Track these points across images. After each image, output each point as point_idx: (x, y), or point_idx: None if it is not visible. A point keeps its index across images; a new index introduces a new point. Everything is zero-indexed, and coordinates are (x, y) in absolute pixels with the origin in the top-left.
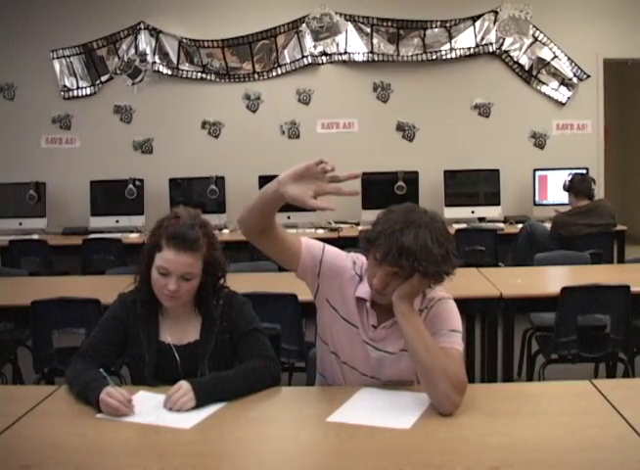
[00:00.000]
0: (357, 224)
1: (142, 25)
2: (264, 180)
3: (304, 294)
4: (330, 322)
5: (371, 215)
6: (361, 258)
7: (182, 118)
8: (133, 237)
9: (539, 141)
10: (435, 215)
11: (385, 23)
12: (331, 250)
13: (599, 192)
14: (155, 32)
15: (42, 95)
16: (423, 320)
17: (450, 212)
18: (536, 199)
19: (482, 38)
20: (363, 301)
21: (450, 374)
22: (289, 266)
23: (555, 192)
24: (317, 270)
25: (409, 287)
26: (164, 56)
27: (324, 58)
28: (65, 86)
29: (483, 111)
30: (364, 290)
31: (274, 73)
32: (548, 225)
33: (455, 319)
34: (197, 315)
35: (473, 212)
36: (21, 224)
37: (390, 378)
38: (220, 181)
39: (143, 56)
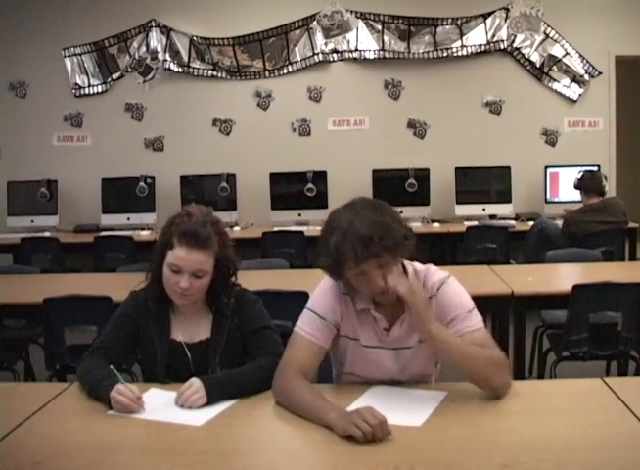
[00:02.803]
0: None
1: (153, 23)
2: (275, 177)
3: None
4: (336, 345)
5: None
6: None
7: (193, 116)
8: (144, 234)
9: (550, 138)
10: (358, 198)
11: (395, 21)
12: (319, 305)
13: (610, 189)
14: (166, 30)
15: (54, 93)
16: (435, 309)
17: (461, 210)
18: (548, 196)
19: (494, 35)
20: (366, 311)
21: (496, 363)
22: None
23: (566, 189)
24: (331, 327)
25: (415, 305)
26: (175, 54)
27: (335, 55)
28: (76, 84)
29: (494, 108)
30: (362, 301)
31: (285, 71)
32: (559, 223)
33: (465, 298)
34: (208, 313)
35: (484, 210)
36: (32, 222)
37: (413, 373)
38: (231, 179)
39: (154, 54)
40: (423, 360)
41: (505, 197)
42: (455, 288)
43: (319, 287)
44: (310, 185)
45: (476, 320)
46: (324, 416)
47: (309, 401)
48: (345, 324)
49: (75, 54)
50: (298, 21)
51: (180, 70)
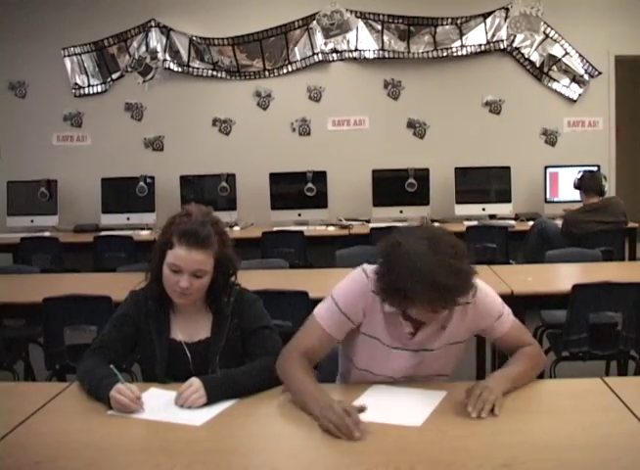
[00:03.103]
0: (368, 221)
1: (153, 23)
2: (275, 177)
3: (315, 291)
4: (354, 338)
5: (381, 213)
6: (369, 270)
7: (193, 116)
8: (144, 234)
9: (550, 138)
10: (433, 232)
11: (395, 20)
12: (343, 299)
13: (610, 189)
14: (165, 30)
15: (53, 93)
16: (472, 316)
17: (461, 210)
18: (547, 196)
19: (493, 35)
20: (394, 314)
21: (536, 360)
22: None
23: (566, 189)
24: (350, 323)
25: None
26: (175, 54)
27: (334, 55)
28: (76, 84)
29: (494, 108)
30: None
31: (285, 71)
32: (559, 222)
33: (497, 300)
34: (208, 313)
35: (484, 210)
36: (32, 222)
37: (429, 372)
38: (231, 178)
39: (154, 54)
40: (443, 362)
41: (505, 197)
42: (487, 293)
43: (348, 280)
44: (310, 185)
45: (508, 317)
46: (311, 409)
47: (303, 390)
48: (368, 321)
49: (75, 54)
50: (298, 20)
51: (180, 69)
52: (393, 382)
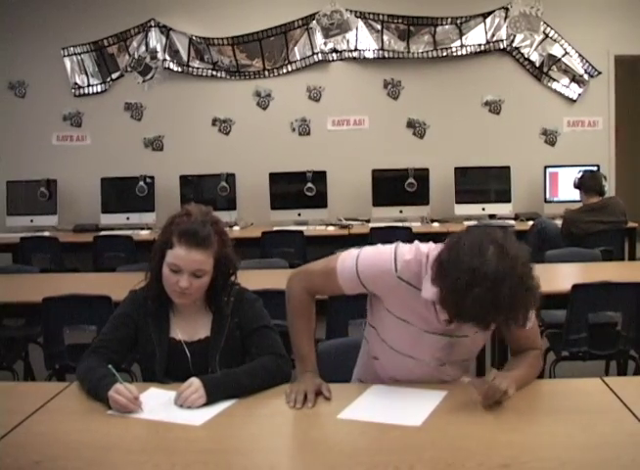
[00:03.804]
0: (368, 221)
1: (152, 23)
2: (275, 177)
3: None
4: (382, 318)
5: (381, 213)
6: (401, 254)
7: (193, 116)
8: (144, 234)
9: (550, 138)
10: (505, 239)
11: (395, 20)
12: (366, 271)
13: (610, 189)
14: (165, 30)
15: (53, 92)
16: None
17: (461, 209)
18: (547, 196)
19: (493, 35)
20: (430, 302)
21: (537, 362)
22: None
23: (566, 189)
24: (364, 290)
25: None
26: (175, 53)
27: (334, 55)
28: (75, 84)
29: (494, 107)
30: (430, 291)
31: (284, 71)
32: (559, 222)
33: None
34: (207, 312)
35: (483, 210)
36: (32, 221)
37: (460, 357)
38: (231, 178)
39: (153, 53)
40: (472, 347)
41: (504, 196)
42: None
43: (376, 255)
44: (310, 185)
45: (532, 315)
46: (298, 369)
47: (300, 344)
48: (393, 302)
49: (75, 53)
50: (298, 20)
51: (179, 69)
52: (426, 364)
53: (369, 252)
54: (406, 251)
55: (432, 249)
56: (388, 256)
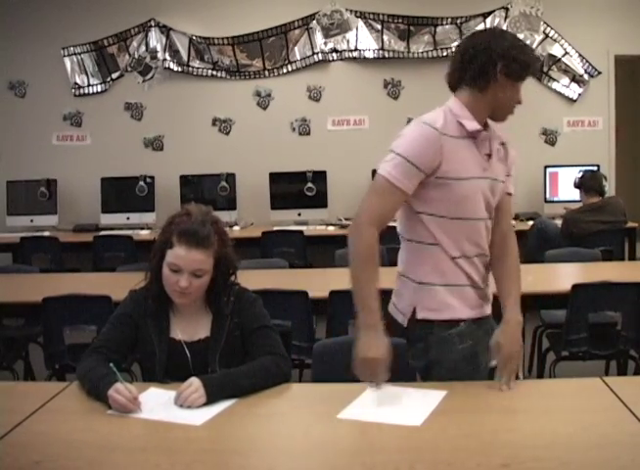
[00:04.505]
0: None
1: (152, 23)
2: (275, 177)
3: (315, 291)
4: (441, 195)
5: None
6: (428, 118)
7: (193, 116)
8: (144, 234)
9: (550, 138)
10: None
11: (395, 20)
12: (415, 152)
13: (610, 189)
14: (165, 30)
15: (53, 92)
16: (504, 155)
17: None
18: (547, 196)
19: None
20: (475, 133)
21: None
22: None
23: (566, 189)
24: (422, 175)
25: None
26: (175, 53)
27: (334, 55)
28: (75, 83)
29: None
30: (473, 123)
31: (284, 70)
32: (559, 222)
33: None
34: (207, 312)
35: None
36: (32, 221)
37: (492, 208)
38: (231, 178)
39: (153, 53)
40: (500, 198)
41: None
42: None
43: (413, 137)
44: (310, 185)
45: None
46: (362, 321)
47: (367, 293)
48: (446, 166)
49: (75, 53)
50: (298, 20)
51: (180, 69)
52: (483, 221)
53: (400, 142)
54: (428, 115)
55: (445, 107)
56: (420, 127)
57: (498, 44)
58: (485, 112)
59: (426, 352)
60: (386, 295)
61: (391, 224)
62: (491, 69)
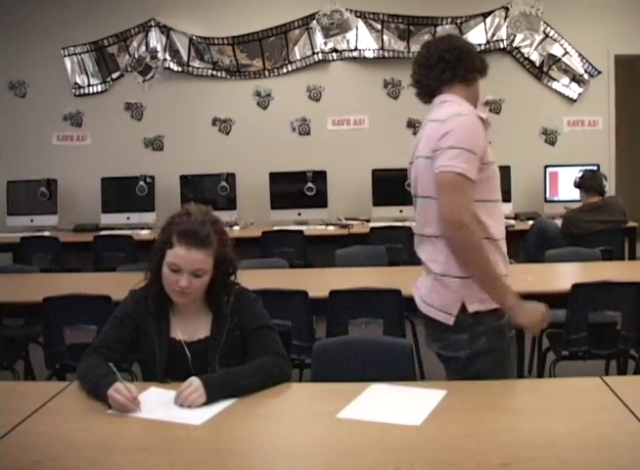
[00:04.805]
0: (368, 221)
1: (152, 23)
2: (275, 177)
3: (315, 290)
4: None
5: (381, 212)
6: (470, 110)
7: (193, 115)
8: (144, 234)
9: (550, 137)
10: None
11: (395, 20)
12: (479, 147)
13: (610, 188)
14: (165, 30)
15: (53, 92)
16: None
17: None
18: (547, 195)
19: (493, 35)
20: (489, 121)
21: None
22: None
23: (566, 189)
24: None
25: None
26: (175, 53)
27: (334, 54)
28: (76, 83)
29: (494, 107)
30: (485, 113)
31: (284, 70)
32: (559, 222)
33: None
34: (207, 312)
35: None
36: (32, 221)
37: None
38: (231, 178)
39: (154, 53)
40: None
41: (504, 196)
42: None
43: (469, 128)
44: (310, 184)
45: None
46: (508, 295)
47: (496, 273)
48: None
49: (75, 53)
50: (298, 20)
51: (180, 69)
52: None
53: (457, 137)
54: (460, 108)
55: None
56: (466, 118)
57: (467, 44)
58: (475, 103)
59: (472, 343)
60: (391, 294)
61: (391, 224)
62: (478, 63)
